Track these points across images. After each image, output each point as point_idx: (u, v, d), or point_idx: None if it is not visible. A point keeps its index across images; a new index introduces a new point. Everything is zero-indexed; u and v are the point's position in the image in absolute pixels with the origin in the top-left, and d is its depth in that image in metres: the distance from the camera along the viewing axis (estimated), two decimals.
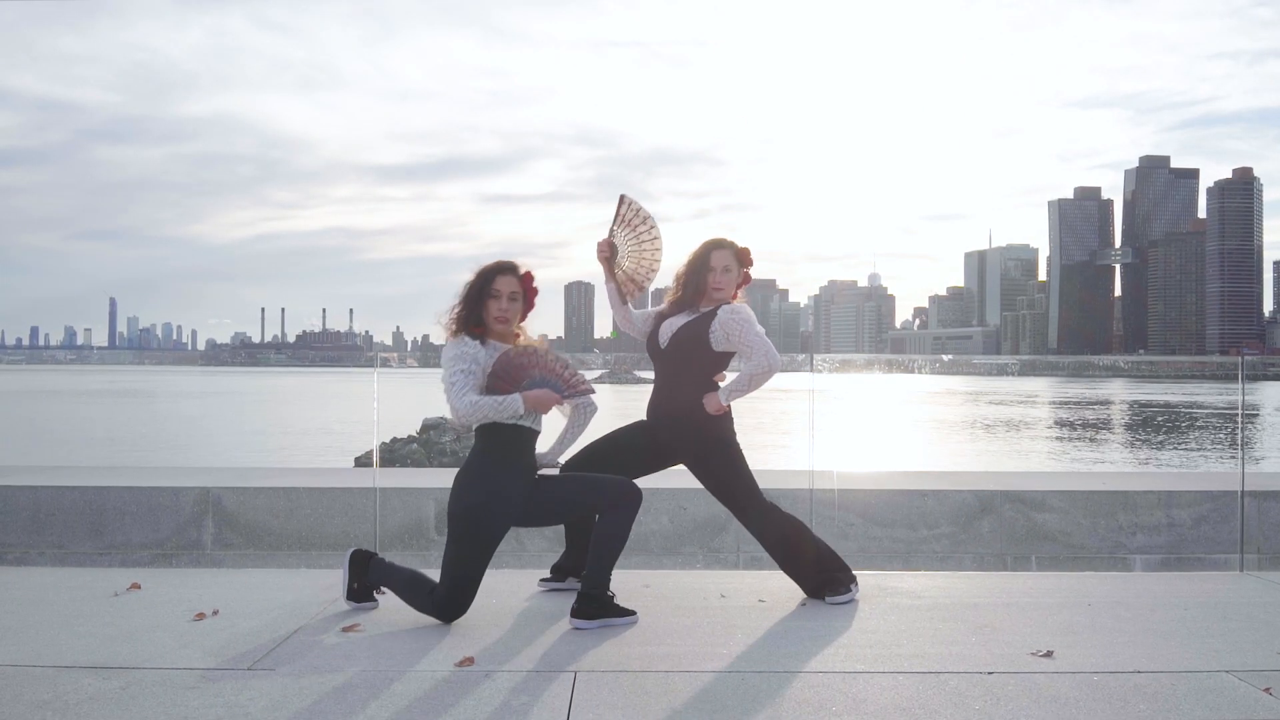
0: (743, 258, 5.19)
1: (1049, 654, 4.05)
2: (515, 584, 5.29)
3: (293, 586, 5.19)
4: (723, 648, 4.18)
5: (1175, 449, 54.73)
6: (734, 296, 5.15)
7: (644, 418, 5.20)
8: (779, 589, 5.16)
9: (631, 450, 5.13)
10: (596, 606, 4.55)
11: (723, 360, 5.07)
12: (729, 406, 4.98)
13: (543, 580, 5.27)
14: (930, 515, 6.93)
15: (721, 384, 5.03)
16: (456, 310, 4.76)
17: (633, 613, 4.64)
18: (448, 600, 4.57)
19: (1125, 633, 4.41)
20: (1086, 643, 4.23)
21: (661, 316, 5.22)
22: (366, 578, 4.83)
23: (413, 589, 4.68)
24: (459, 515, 4.56)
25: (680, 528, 6.92)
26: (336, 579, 5.21)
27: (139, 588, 5.10)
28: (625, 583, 5.09)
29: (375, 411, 6.76)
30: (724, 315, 4.99)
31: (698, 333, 5.03)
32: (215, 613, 4.62)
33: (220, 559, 6.81)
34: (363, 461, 33.07)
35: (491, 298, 4.72)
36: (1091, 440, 60.21)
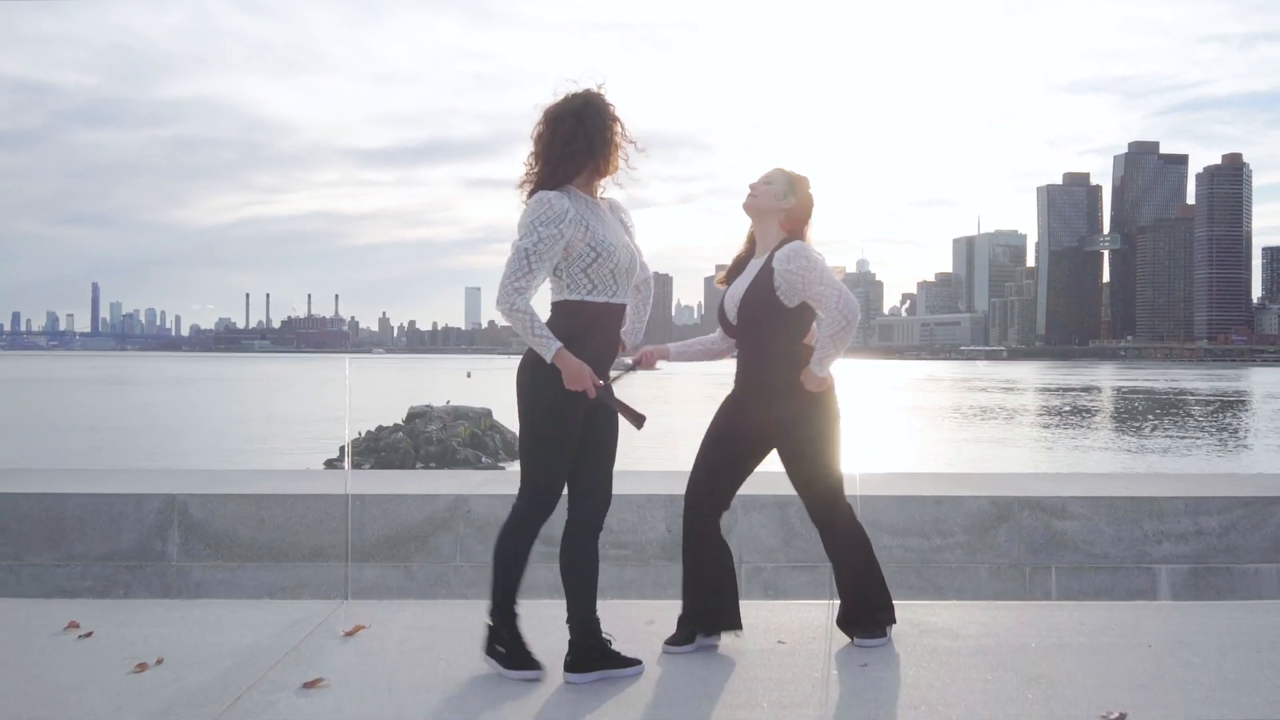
0: (796, 182, 4.55)
1: (1122, 718, 3.59)
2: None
3: (252, 624, 4.70)
4: (745, 711, 3.70)
5: (1168, 436, 54.70)
6: (784, 228, 4.52)
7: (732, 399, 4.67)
8: (797, 625, 4.72)
9: (734, 443, 4.57)
10: (592, 656, 4.03)
11: (808, 316, 4.48)
12: (832, 377, 4.45)
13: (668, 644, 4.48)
14: (945, 523, 6.51)
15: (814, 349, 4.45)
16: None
17: (637, 662, 4.11)
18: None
19: (1199, 685, 3.94)
20: (1160, 699, 3.78)
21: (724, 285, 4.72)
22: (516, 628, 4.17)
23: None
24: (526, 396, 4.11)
25: (678, 536, 6.43)
26: (302, 614, 4.76)
27: (77, 626, 4.61)
28: (625, 618, 4.62)
29: (347, 422, 6.32)
30: (781, 263, 4.36)
31: (763, 293, 4.41)
32: (159, 661, 4.14)
33: (186, 571, 6.37)
34: (335, 462, 32.80)
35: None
36: (1088, 428, 60.24)
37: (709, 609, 4.48)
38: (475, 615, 4.36)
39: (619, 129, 4.22)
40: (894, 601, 4.70)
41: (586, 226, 4.06)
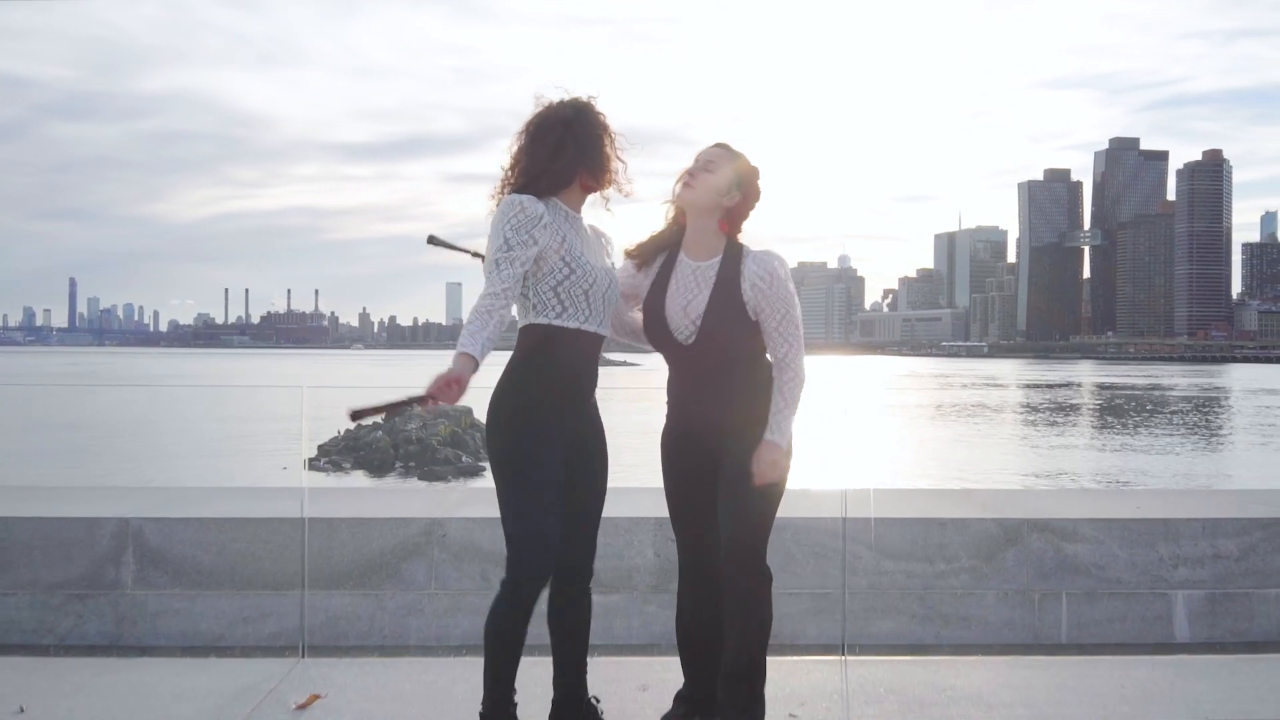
0: (745, 177, 3.94)
1: None
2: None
3: (194, 692, 4.28)
4: None
5: (1150, 433, 54.54)
6: (723, 227, 3.93)
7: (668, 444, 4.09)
8: (808, 690, 4.39)
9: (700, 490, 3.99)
10: None
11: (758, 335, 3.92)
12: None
13: None
14: (949, 547, 6.14)
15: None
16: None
17: None
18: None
19: None
20: None
21: (647, 274, 4.04)
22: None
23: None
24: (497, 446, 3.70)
25: (668, 562, 6.09)
26: (251, 678, 4.38)
27: None
28: (615, 681, 4.22)
29: (304, 437, 5.90)
30: (757, 276, 3.82)
31: (730, 306, 3.83)
32: None
33: (142, 601, 5.95)
34: (315, 461, 32.36)
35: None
36: (1072, 425, 60.06)
37: (712, 693, 4.01)
38: (445, 679, 3.99)
39: (612, 143, 3.86)
40: (906, 644, 4.32)
41: (563, 238, 3.71)
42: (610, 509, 5.43)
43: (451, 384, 3.39)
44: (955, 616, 6.09)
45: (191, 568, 5.99)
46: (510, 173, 3.80)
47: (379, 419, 3.57)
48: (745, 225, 4.04)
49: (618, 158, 3.87)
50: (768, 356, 3.96)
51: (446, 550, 6.02)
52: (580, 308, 3.70)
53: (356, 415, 3.44)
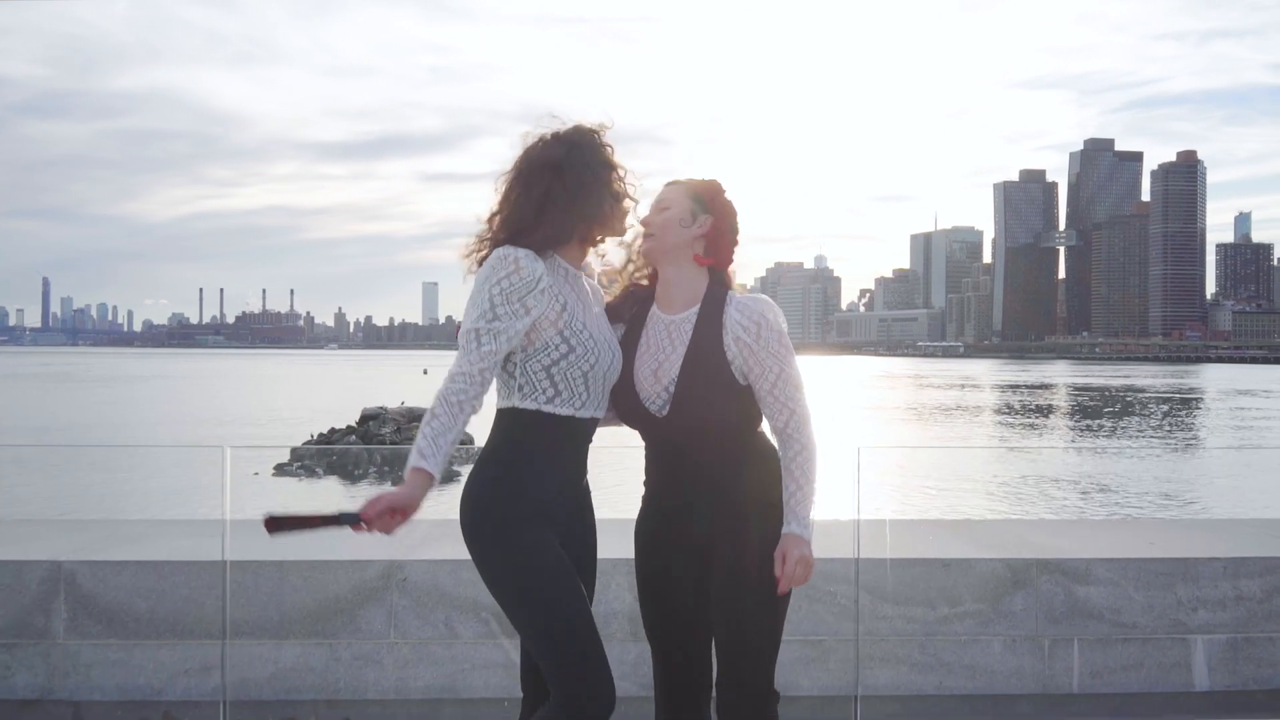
0: (703, 194, 3.36)
1: None
2: None
3: None
4: None
5: (1136, 435, 54.38)
6: (703, 261, 3.33)
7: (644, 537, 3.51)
8: None
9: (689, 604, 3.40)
10: None
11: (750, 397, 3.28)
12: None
13: None
14: (953, 590, 5.69)
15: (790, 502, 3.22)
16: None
17: None
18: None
19: None
20: None
21: (616, 331, 3.40)
22: None
23: None
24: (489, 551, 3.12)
25: None
26: None
27: None
28: None
29: (226, 497, 5.41)
30: (743, 326, 3.21)
31: (709, 363, 3.20)
32: None
33: (75, 652, 5.44)
34: (286, 467, 31.76)
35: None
36: (1049, 428, 59.90)
37: None
38: None
39: (621, 180, 3.29)
40: (906, 695, 3.82)
41: (563, 305, 3.13)
42: None
43: (395, 514, 2.94)
44: (959, 665, 5.65)
45: (128, 615, 5.48)
46: (489, 224, 3.24)
47: (299, 532, 3.01)
48: (731, 270, 3.46)
49: (629, 196, 3.29)
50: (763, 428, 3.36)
51: (408, 595, 5.53)
52: (577, 392, 3.14)
53: (273, 526, 2.94)
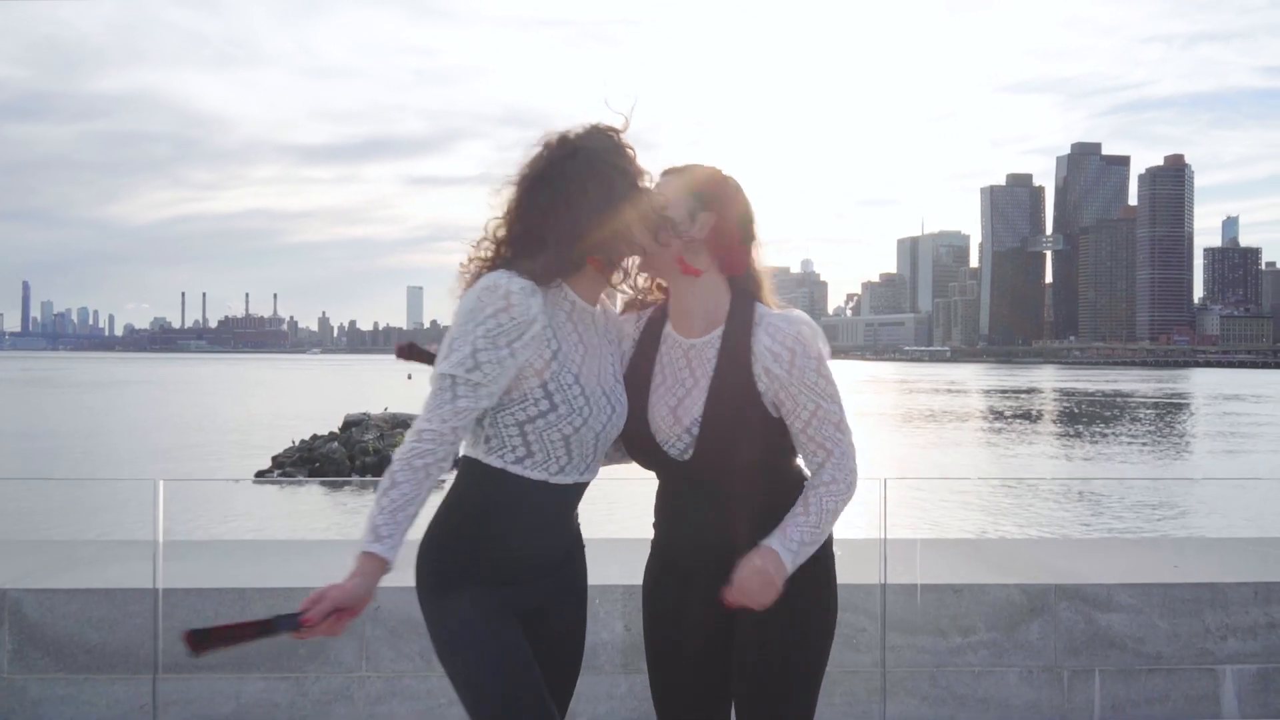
0: (708, 190, 2.78)
1: None
2: None
3: None
4: None
5: (1120, 442, 54.21)
6: (723, 270, 2.81)
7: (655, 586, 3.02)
8: None
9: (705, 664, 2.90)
10: None
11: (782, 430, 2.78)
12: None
13: None
14: (965, 618, 5.32)
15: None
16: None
17: None
18: None
19: None
20: None
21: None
22: None
23: None
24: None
25: (638, 637, 5.21)
26: None
27: None
28: None
29: (159, 530, 5.02)
30: (774, 348, 2.70)
31: (737, 395, 2.70)
32: None
33: (21, 687, 5.04)
34: (268, 475, 31.36)
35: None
36: (1037, 432, 59.74)
37: None
38: None
39: (649, 191, 2.69)
40: None
41: (554, 352, 2.61)
42: None
43: (341, 616, 2.57)
44: (972, 698, 5.29)
45: (78, 647, 5.08)
46: (484, 241, 2.71)
47: (229, 646, 2.59)
48: (762, 277, 2.87)
49: (656, 210, 2.68)
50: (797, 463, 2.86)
51: (380, 625, 5.14)
52: (554, 454, 2.64)
53: (196, 642, 2.48)
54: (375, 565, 2.57)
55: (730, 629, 2.82)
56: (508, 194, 2.68)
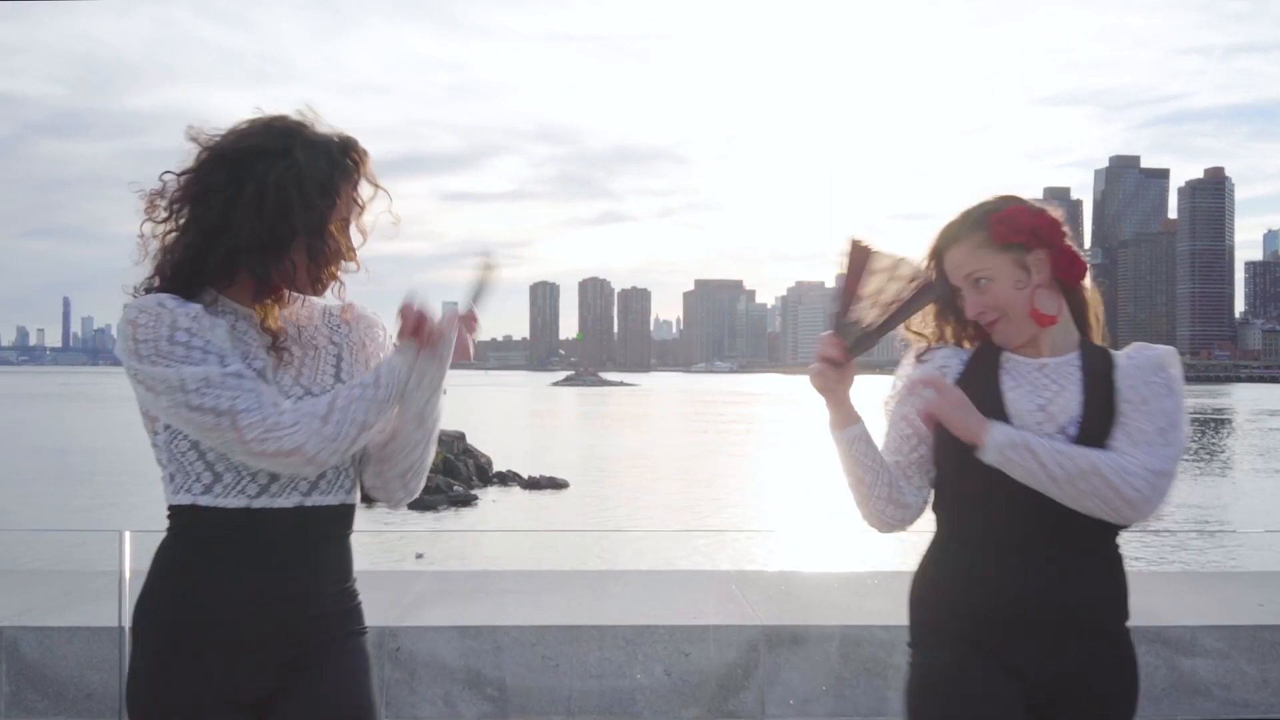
0: (1008, 224, 2.35)
1: None
2: None
3: None
4: None
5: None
6: (1036, 317, 2.37)
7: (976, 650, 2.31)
8: None
9: None
10: None
11: None
12: None
13: None
14: None
15: None
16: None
17: None
18: None
19: None
20: None
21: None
22: None
23: None
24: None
25: (680, 682, 4.86)
26: None
27: None
28: None
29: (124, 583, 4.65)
30: (1141, 355, 2.42)
31: (1108, 400, 2.33)
32: None
33: None
34: None
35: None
36: None
37: None
38: None
39: (360, 179, 2.27)
40: None
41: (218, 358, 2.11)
42: (607, 614, 4.26)
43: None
44: None
45: (78, 690, 4.78)
46: (154, 250, 2.24)
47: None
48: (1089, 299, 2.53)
49: (343, 225, 2.28)
50: None
51: (401, 667, 4.79)
52: (243, 470, 2.12)
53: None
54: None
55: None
56: (170, 190, 2.25)
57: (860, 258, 2.33)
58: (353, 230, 2.31)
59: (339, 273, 2.29)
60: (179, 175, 2.21)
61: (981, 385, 2.37)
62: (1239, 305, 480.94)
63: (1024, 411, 2.32)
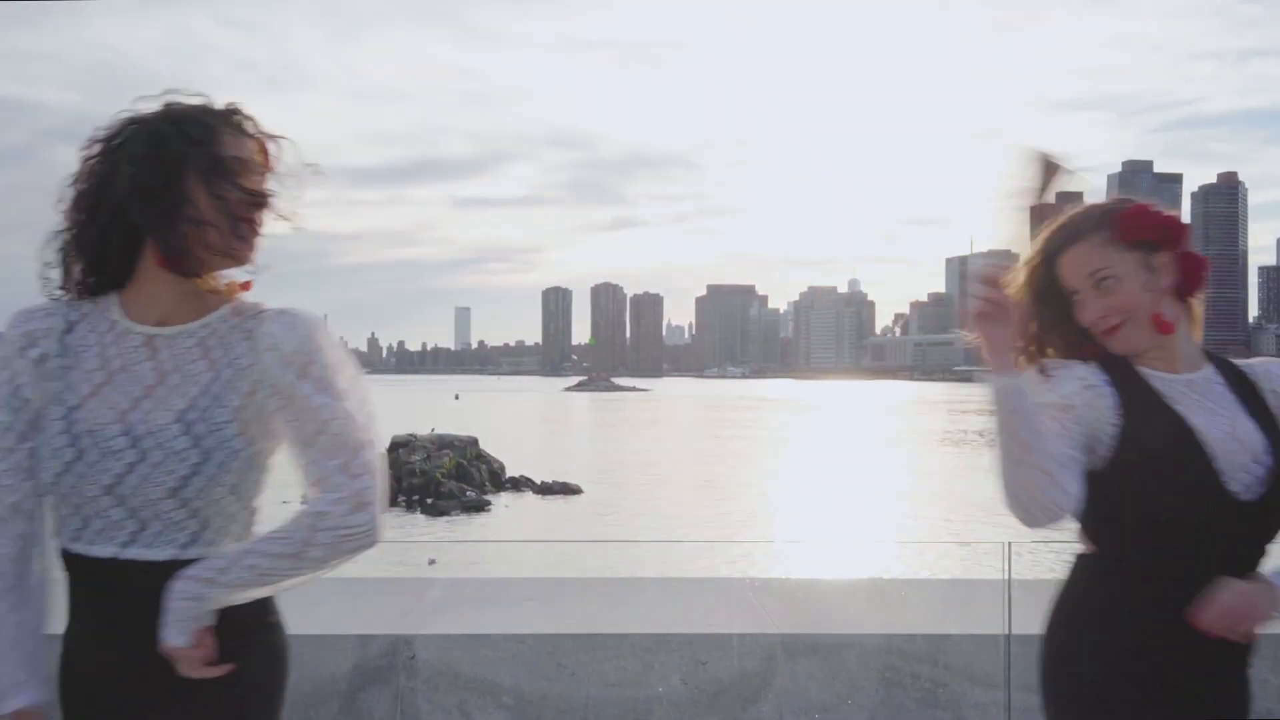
0: (1133, 222, 2.20)
1: None
2: None
3: None
4: None
5: None
6: (1159, 322, 2.19)
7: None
8: None
9: None
10: None
11: None
12: None
13: None
14: None
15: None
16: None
17: None
18: None
19: None
20: None
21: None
22: None
23: None
24: None
25: (698, 691, 4.81)
26: None
27: None
28: None
29: None
30: (1269, 364, 2.27)
31: (1265, 413, 2.19)
32: None
33: None
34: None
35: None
36: None
37: None
38: None
39: (243, 125, 1.99)
40: None
41: (68, 383, 1.88)
42: (622, 623, 4.21)
43: None
44: None
45: None
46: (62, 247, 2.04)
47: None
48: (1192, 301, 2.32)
49: (242, 166, 1.98)
50: None
51: (416, 676, 4.75)
52: (95, 512, 1.83)
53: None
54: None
55: None
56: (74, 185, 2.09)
57: (1049, 173, 2.13)
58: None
59: (260, 228, 2.01)
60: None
61: (1153, 406, 2.16)
62: (1253, 310, 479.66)
63: (1219, 439, 2.11)
